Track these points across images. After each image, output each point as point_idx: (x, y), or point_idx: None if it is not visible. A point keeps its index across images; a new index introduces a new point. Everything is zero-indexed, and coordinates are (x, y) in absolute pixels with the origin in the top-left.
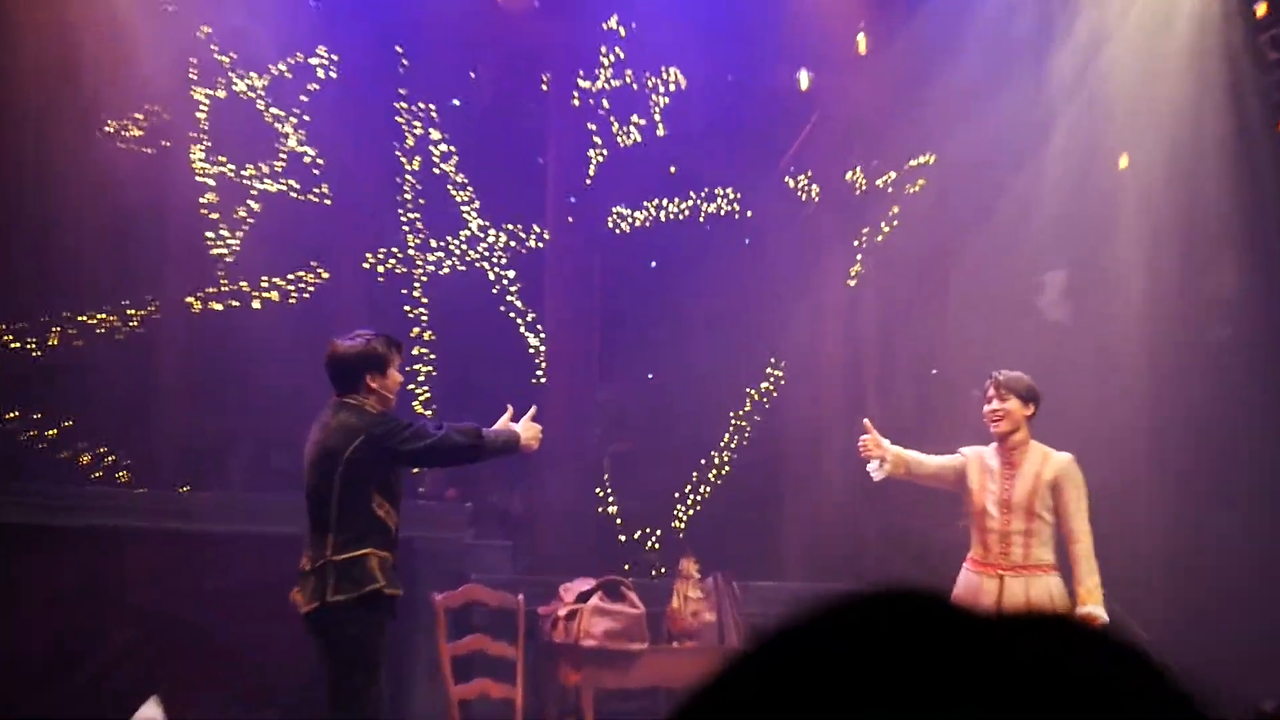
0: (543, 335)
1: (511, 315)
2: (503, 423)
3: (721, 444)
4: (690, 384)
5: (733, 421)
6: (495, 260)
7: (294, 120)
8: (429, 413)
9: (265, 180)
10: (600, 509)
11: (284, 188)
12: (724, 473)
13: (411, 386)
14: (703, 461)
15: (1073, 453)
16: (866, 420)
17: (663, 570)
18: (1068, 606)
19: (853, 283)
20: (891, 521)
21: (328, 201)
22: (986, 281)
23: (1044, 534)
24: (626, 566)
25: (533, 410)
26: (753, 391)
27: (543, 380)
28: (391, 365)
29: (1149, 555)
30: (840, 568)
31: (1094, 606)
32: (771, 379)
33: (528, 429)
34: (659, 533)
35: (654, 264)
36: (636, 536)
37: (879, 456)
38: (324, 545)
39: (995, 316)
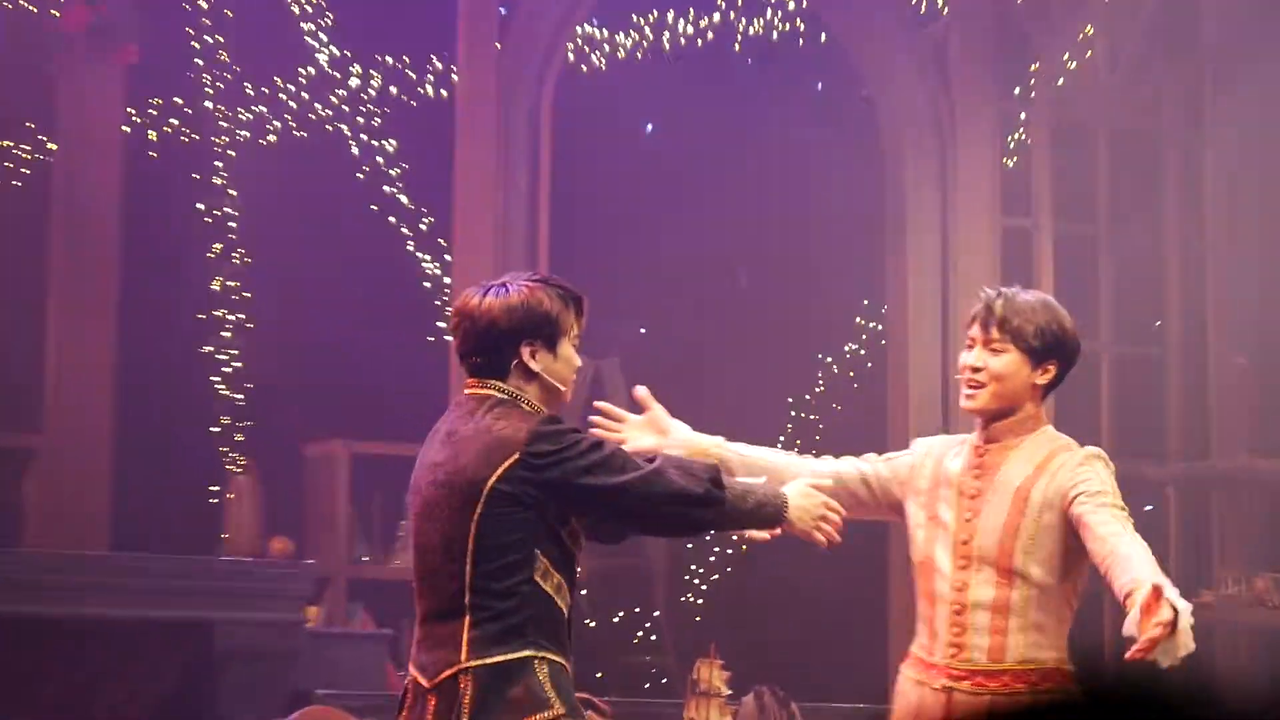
0: (448, 256)
1: (392, 220)
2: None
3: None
4: (718, 343)
5: (794, 411)
6: (363, 120)
7: None
8: (239, 398)
9: None
10: None
11: None
12: None
13: (210, 349)
14: None
15: None
16: (641, 389)
17: (664, 681)
18: None
19: (1011, 162)
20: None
21: (55, 14)
22: (1229, 165)
23: (1033, 611)
24: (599, 675)
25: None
26: (829, 360)
27: (448, 337)
28: (566, 334)
29: None
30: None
31: (1149, 585)
32: (864, 335)
33: (803, 496)
34: (656, 614)
35: (649, 128)
36: (616, 621)
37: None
38: (453, 643)
39: None
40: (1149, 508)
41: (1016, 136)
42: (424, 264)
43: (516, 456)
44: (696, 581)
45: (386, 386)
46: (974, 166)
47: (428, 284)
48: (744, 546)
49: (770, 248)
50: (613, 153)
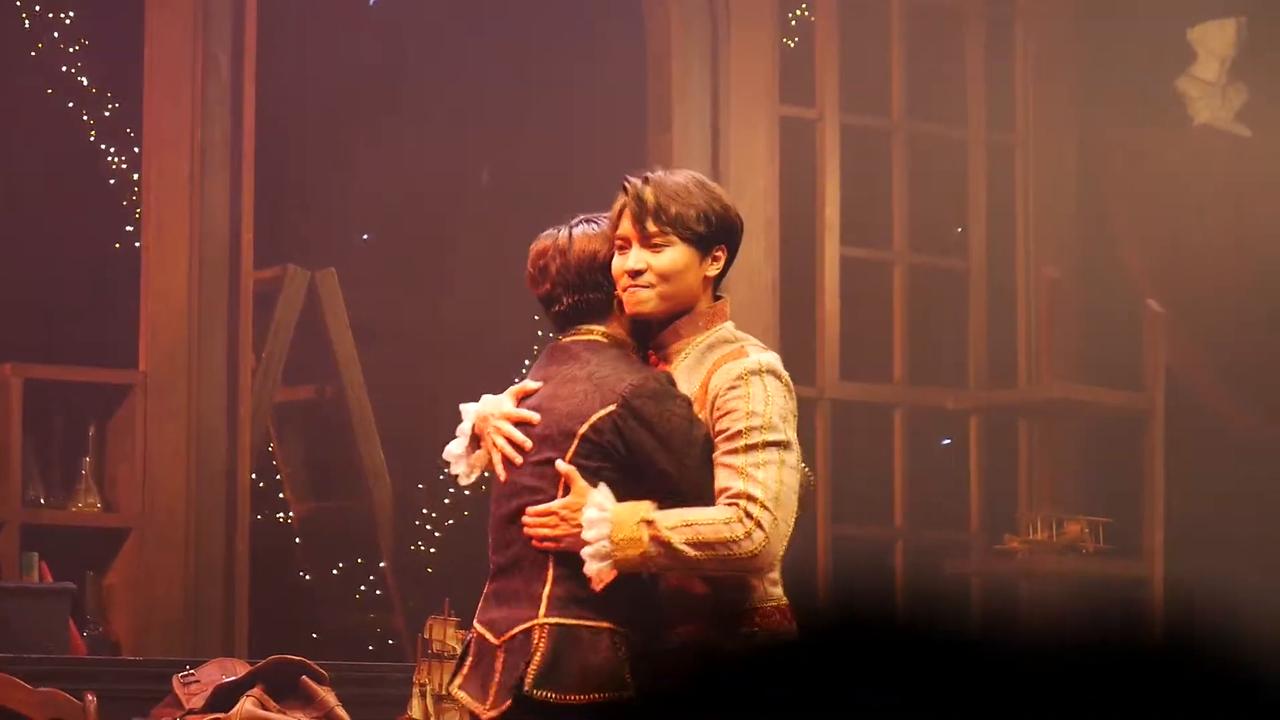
0: (137, 149)
1: (71, 105)
2: None
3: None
4: (455, 251)
5: (542, 330)
6: None
7: None
8: None
9: None
10: (259, 515)
11: None
12: None
13: None
14: None
15: None
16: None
17: (390, 642)
18: None
19: (791, 42)
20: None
21: None
22: None
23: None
24: (315, 636)
25: None
26: None
27: (136, 245)
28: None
29: None
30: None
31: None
32: None
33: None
34: (382, 566)
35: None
36: (335, 573)
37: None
38: (531, 599)
39: None
40: (947, 441)
41: (798, 12)
42: (109, 158)
43: (613, 407)
44: (429, 528)
45: (65, 301)
46: (749, 46)
47: (113, 181)
48: (483, 486)
49: (518, 140)
50: (332, 27)
